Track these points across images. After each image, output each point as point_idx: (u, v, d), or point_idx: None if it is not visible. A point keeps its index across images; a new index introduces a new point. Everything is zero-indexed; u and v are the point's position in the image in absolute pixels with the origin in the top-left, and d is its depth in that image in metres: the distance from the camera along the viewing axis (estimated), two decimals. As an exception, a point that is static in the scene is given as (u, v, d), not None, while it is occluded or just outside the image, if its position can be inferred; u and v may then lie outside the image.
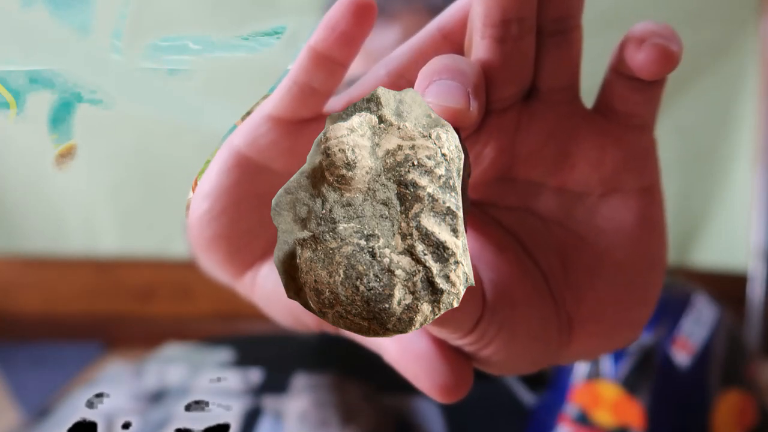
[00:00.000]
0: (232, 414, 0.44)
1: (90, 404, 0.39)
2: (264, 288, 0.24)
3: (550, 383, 0.51)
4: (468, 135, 0.19)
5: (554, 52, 0.18)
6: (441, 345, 0.20)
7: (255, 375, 0.49)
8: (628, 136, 0.19)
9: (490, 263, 0.19)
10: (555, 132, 0.19)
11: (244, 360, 0.52)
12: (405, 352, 0.20)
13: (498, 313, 0.18)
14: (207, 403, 0.40)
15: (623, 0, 0.88)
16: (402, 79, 0.20)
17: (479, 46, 0.18)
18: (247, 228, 0.23)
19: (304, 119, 0.21)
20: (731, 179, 1.19)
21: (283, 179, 0.20)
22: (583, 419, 0.46)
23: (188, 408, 0.40)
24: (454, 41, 0.20)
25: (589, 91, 0.21)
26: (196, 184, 0.22)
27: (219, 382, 0.48)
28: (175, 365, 0.51)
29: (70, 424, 0.31)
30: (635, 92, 0.19)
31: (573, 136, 0.20)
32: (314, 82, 0.20)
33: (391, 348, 0.21)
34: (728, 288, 0.91)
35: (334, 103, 0.21)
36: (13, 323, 1.44)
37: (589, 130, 0.19)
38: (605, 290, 0.20)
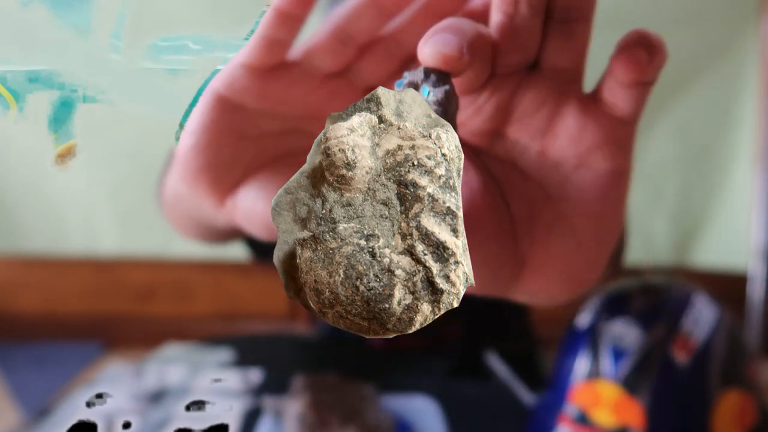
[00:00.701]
0: (232, 414, 0.44)
1: (90, 404, 0.39)
2: (244, 205, 0.26)
3: (550, 383, 0.51)
4: (475, 90, 0.22)
5: (557, 37, 0.21)
6: None
7: (255, 375, 0.49)
8: (609, 122, 0.22)
9: (469, 185, 0.22)
10: (547, 102, 0.22)
11: (244, 360, 0.52)
12: None
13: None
14: (207, 403, 0.40)
15: (623, 0, 0.88)
16: (344, 34, 0.24)
17: (494, 18, 0.21)
18: (228, 158, 0.25)
19: (271, 65, 0.25)
20: (731, 179, 1.19)
21: (256, 116, 0.25)
22: (583, 419, 0.46)
23: (188, 408, 0.40)
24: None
25: (588, 87, 0.22)
26: (181, 127, 0.26)
27: (219, 382, 0.48)
28: (175, 365, 0.52)
29: (70, 424, 0.31)
30: (622, 87, 0.21)
31: (561, 110, 0.22)
32: (277, 35, 0.24)
33: None
34: (728, 288, 0.91)
35: (294, 51, 0.25)
36: (13, 323, 1.44)
37: (576, 108, 0.22)
38: (555, 244, 0.23)
